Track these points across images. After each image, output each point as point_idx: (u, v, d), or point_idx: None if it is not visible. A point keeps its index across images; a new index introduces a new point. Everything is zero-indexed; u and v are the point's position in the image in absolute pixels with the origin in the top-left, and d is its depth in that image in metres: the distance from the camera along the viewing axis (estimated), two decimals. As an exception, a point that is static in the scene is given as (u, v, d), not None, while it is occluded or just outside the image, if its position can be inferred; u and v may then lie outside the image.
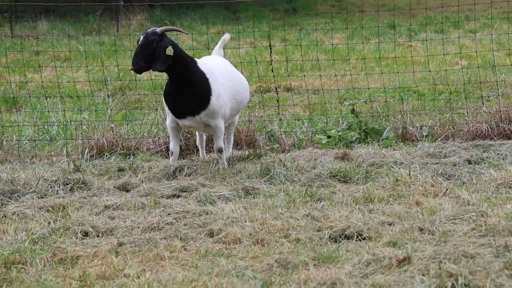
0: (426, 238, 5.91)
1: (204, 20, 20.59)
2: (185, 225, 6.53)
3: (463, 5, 17.01)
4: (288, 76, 13.07)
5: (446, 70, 11.45)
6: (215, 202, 7.29)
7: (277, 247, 5.90)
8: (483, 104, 10.38)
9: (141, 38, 8.11)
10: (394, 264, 5.08)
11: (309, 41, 16.49)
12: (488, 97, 10.87)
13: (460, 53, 13.28)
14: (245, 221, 6.57)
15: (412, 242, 5.76)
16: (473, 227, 5.90)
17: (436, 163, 8.33)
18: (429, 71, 12.44)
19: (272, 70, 11.11)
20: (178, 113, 8.25)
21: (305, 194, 7.42)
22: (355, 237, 6.11)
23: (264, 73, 13.91)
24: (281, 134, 10.14)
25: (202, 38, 18.19)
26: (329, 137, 9.91)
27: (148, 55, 8.04)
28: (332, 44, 13.80)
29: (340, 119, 10.47)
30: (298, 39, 13.53)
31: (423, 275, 4.84)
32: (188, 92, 8.18)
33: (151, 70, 8.12)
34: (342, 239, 6.10)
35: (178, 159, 8.61)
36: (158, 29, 8.16)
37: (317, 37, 17.65)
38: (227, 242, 6.05)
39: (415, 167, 8.21)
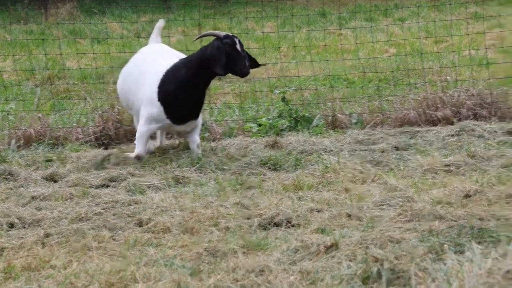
0: (354, 224, 5.97)
1: (134, 9, 20.42)
2: (114, 214, 6.49)
3: (391, -7, 17.18)
4: (219, 64, 13.00)
5: (375, 58, 11.56)
6: (145, 192, 7.26)
7: (207, 236, 5.90)
8: (410, 91, 10.51)
9: (237, 40, 7.98)
10: (322, 250, 5.12)
11: (240, 29, 16.48)
12: (416, 84, 11.01)
13: (389, 41, 13.41)
14: (174, 210, 6.56)
15: (340, 228, 5.81)
16: (399, 213, 5.98)
17: (364, 150, 8.42)
18: (359, 59, 12.54)
19: (202, 59, 11.03)
20: (183, 118, 8.16)
21: (235, 182, 7.43)
22: (284, 224, 6.14)
23: (195, 62, 13.82)
24: (212, 123, 10.13)
25: (132, 27, 18.04)
26: (259, 125, 9.93)
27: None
28: (263, 32, 13.83)
29: (270, 107, 10.51)
30: (230, 28, 13.51)
31: (350, 260, 4.89)
32: (200, 98, 8.19)
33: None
34: (271, 227, 6.12)
35: (108, 148, 8.61)
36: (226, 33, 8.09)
37: (248, 25, 17.65)
38: (156, 232, 6.03)
39: (344, 154, 8.29)
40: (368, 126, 9.76)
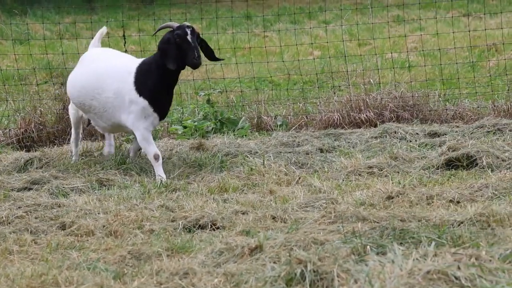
0: (279, 226, 6.00)
1: (57, 10, 20.16)
2: (36, 218, 6.40)
3: (315, -3, 17.33)
4: (144, 66, 12.93)
5: (299, 60, 11.64)
6: (68, 195, 7.18)
7: (131, 239, 5.87)
8: (334, 93, 10.62)
9: (189, 31, 7.67)
10: (246, 253, 5.12)
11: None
12: (340, 86, 11.13)
13: (313, 43, 13.51)
14: (98, 213, 6.50)
15: (265, 230, 5.83)
16: (323, 214, 6.03)
17: (289, 152, 8.47)
18: (284, 61, 12.61)
19: (127, 61, 10.95)
20: (165, 113, 7.99)
21: (160, 185, 7.40)
22: (209, 226, 6.14)
23: (119, 64, 13.72)
24: (136, 125, 10.05)
25: (55, 28, 17.82)
26: (185, 127, 9.92)
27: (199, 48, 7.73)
28: (188, 35, 13.78)
29: (196, 109, 10.50)
30: (154, 29, 13.42)
31: (274, 262, 4.90)
32: (175, 85, 7.98)
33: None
34: (196, 229, 6.12)
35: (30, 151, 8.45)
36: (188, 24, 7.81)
37: (173, 27, 17.58)
38: (79, 235, 5.97)
39: (269, 156, 8.32)
40: (293, 128, 9.82)
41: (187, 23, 7.75)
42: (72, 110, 8.47)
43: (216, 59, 8.04)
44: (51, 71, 12.90)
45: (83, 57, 8.39)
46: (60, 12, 19.17)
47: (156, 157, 7.70)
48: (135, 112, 7.80)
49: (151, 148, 7.75)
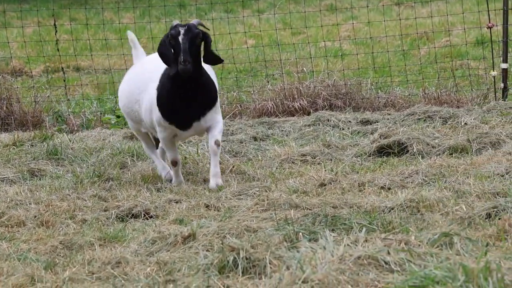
0: (212, 214, 6.01)
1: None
2: (-36, 210, 6.30)
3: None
4: (76, 56, 12.84)
5: (233, 49, 11.63)
6: (-1, 185, 7.08)
7: (63, 229, 5.82)
8: (268, 82, 10.65)
9: (182, 30, 6.72)
10: (179, 241, 5.13)
11: (98, 20, 16.27)
12: (273, 75, 11.16)
13: (247, 32, 13.52)
14: (29, 204, 6.43)
15: (198, 218, 5.84)
16: (256, 202, 6.06)
17: (223, 141, 8.48)
18: (217, 50, 12.59)
19: (58, 50, 10.86)
20: (185, 123, 6.93)
21: (93, 174, 7.35)
22: (142, 215, 6.13)
23: (52, 53, 13.59)
24: (69, 115, 9.98)
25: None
26: (118, 117, 9.85)
27: (195, 52, 6.75)
28: (119, 23, 13.69)
29: (129, 98, 10.41)
30: (87, 18, 13.30)
31: (207, 250, 4.91)
32: (199, 95, 6.86)
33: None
34: (129, 218, 6.10)
35: None
36: (195, 21, 6.89)
37: (106, 16, 17.45)
38: (10, 226, 5.90)
39: (203, 145, 8.32)
40: (227, 117, 9.83)
41: (196, 20, 6.93)
42: (129, 122, 7.60)
43: (215, 63, 7.02)
44: (-19, 60, 12.71)
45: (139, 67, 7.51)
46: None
47: (173, 163, 7.06)
48: (155, 118, 6.99)
49: (169, 154, 7.08)
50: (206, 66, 7.01)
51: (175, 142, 7.13)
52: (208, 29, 6.99)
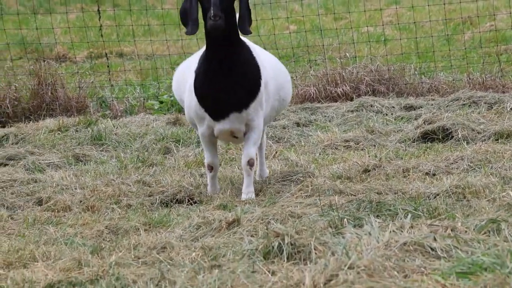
0: (256, 199, 6.02)
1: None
2: (12, 193, 6.38)
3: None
4: (119, 42, 12.91)
5: (275, 34, 11.61)
6: (44, 170, 7.16)
7: (108, 214, 5.86)
8: (311, 68, 10.61)
9: None
10: (224, 226, 5.14)
11: (140, 6, 16.32)
12: (316, 61, 11.12)
13: (289, 18, 13.49)
14: (75, 188, 6.49)
15: (242, 204, 5.84)
16: (300, 188, 6.05)
17: (267, 127, 8.47)
18: (259, 35, 12.58)
19: (102, 36, 10.93)
20: (221, 110, 5.98)
21: (137, 160, 7.39)
22: (186, 201, 6.15)
23: (95, 39, 13.68)
24: (112, 100, 10.04)
25: (29, 3, 17.66)
26: (161, 102, 9.90)
27: (229, 7, 5.78)
28: (162, 9, 13.74)
29: (172, 84, 10.45)
30: (130, 4, 13.35)
31: (251, 236, 4.92)
32: (236, 75, 5.92)
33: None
34: (174, 204, 6.12)
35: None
36: None
37: (148, 1, 17.49)
38: (56, 210, 5.96)
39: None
40: (269, 102, 9.81)
41: None
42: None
43: (245, 32, 5.96)
44: (26, 47, 12.81)
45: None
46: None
47: (209, 167, 6.25)
48: (189, 106, 6.22)
49: (206, 156, 6.27)
50: (269, 57, 6.45)
51: (215, 143, 6.28)
52: None
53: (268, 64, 6.26)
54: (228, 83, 5.93)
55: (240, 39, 6.00)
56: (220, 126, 6.05)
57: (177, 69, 6.69)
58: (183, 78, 6.28)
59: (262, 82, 6.05)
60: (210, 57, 5.93)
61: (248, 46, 6.09)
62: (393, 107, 9.02)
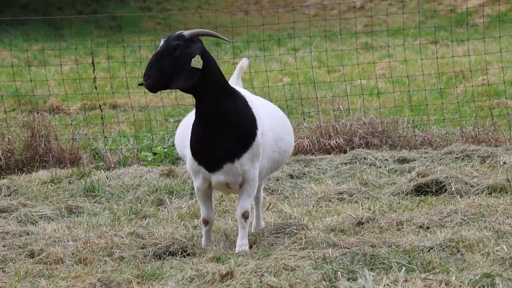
0: (249, 252, 5.99)
1: (25, 37, 20.10)
2: (4, 246, 6.34)
3: (284, 23, 17.42)
4: (113, 93, 12.96)
5: (269, 86, 11.68)
6: (37, 222, 7.13)
7: (100, 266, 5.82)
8: (304, 120, 10.65)
9: (161, 42, 5.92)
10: (217, 279, 5.11)
11: (134, 58, 16.44)
12: (309, 113, 11.17)
13: (282, 70, 13.58)
14: (67, 241, 6.45)
15: (236, 257, 5.81)
16: (293, 240, 6.03)
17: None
18: (253, 87, 12.65)
19: (96, 88, 10.98)
20: (213, 161, 5.99)
21: (130, 211, 7.37)
22: (180, 253, 6.12)
23: (89, 91, 13.73)
24: (106, 152, 10.03)
25: (23, 56, 17.75)
26: (155, 154, 9.89)
27: (168, 66, 5.84)
28: (157, 61, 13.82)
29: (166, 136, 10.48)
30: (124, 56, 13.44)
31: (245, 289, 4.89)
32: (228, 125, 5.97)
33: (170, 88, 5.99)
34: (167, 256, 6.09)
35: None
36: (186, 32, 5.94)
37: (142, 54, 17.60)
38: (48, 263, 5.92)
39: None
40: (263, 154, 9.82)
41: (191, 31, 5.98)
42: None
43: (172, 87, 5.94)
44: (19, 99, 12.84)
45: None
46: (28, 40, 19.12)
47: (204, 222, 6.25)
48: (187, 161, 6.24)
49: (202, 209, 6.27)
50: (269, 108, 6.44)
51: (210, 197, 6.26)
52: (229, 41, 6.43)
53: (267, 115, 6.28)
54: (218, 135, 5.97)
55: (229, 91, 6.04)
56: (215, 178, 6.06)
57: (180, 124, 6.71)
58: (185, 134, 6.28)
59: (258, 133, 6.05)
60: (198, 112, 6.02)
61: (243, 97, 6.12)
62: (387, 159, 9.04)
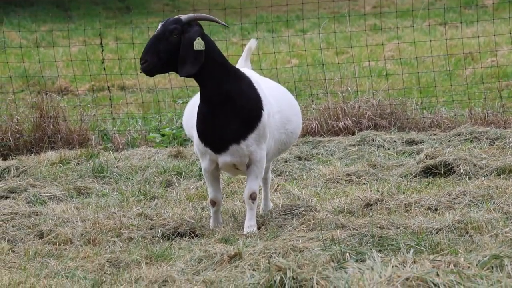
0: (258, 233, 6.00)
1: (33, 18, 20.08)
2: (13, 226, 6.37)
3: (293, 5, 17.38)
4: (121, 75, 12.95)
5: (277, 68, 11.64)
6: (46, 203, 7.15)
7: (109, 247, 5.85)
8: (312, 102, 10.63)
9: (158, 27, 5.94)
10: (225, 260, 5.13)
11: (143, 39, 16.39)
12: (318, 94, 11.15)
13: (291, 51, 13.55)
14: (76, 221, 6.48)
15: (244, 238, 5.83)
16: (302, 222, 6.04)
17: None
18: (261, 69, 12.63)
19: (104, 69, 10.97)
20: (219, 143, 6.00)
21: (138, 192, 7.38)
22: (188, 234, 6.13)
23: (97, 72, 13.73)
24: (114, 133, 10.04)
25: (32, 36, 17.75)
26: (163, 135, 9.90)
27: (165, 51, 5.83)
28: (166, 43, 13.78)
29: (174, 117, 10.48)
30: (132, 38, 13.41)
31: (253, 270, 4.91)
32: (232, 107, 5.96)
33: (171, 73, 6.00)
34: (175, 237, 6.11)
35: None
36: (184, 16, 5.93)
37: (150, 35, 17.58)
38: (57, 243, 5.94)
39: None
40: (271, 136, 9.81)
41: (188, 15, 5.95)
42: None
43: (181, 74, 5.93)
44: (28, 80, 12.86)
45: None
46: (37, 21, 19.10)
47: (212, 202, 6.26)
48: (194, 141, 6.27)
49: (209, 191, 6.28)
50: (276, 90, 6.42)
51: (218, 178, 6.27)
52: (226, 25, 6.41)
53: (274, 97, 6.27)
54: (223, 116, 5.97)
55: (232, 72, 6.01)
56: (222, 159, 6.06)
57: (187, 104, 6.70)
58: (192, 114, 6.28)
59: (264, 114, 6.04)
60: (201, 94, 6.03)
61: (248, 78, 6.09)
62: (395, 141, 9.02)
